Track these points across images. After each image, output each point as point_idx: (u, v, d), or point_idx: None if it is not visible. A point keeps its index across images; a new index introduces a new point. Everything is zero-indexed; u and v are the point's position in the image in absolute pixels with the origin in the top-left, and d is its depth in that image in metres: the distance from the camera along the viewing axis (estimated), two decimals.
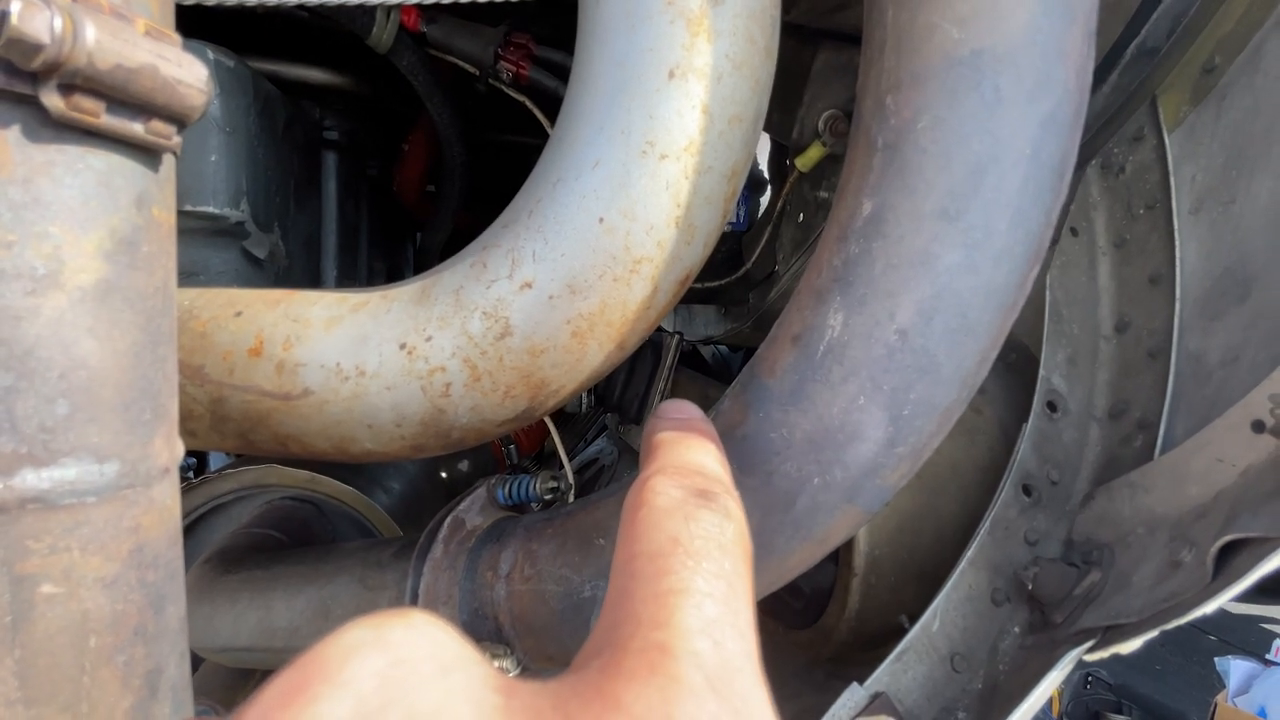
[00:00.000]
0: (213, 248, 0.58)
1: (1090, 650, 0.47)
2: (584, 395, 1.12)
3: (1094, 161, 0.76)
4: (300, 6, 0.50)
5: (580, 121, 0.32)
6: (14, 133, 0.25)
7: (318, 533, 0.92)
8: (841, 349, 0.39)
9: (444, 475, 1.31)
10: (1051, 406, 0.66)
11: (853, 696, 0.52)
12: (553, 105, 0.69)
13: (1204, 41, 0.64)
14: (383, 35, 0.60)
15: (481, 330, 0.33)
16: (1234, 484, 0.44)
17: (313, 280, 0.80)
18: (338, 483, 0.91)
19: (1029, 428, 0.64)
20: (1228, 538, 0.39)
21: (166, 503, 0.30)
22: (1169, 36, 0.67)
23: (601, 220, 0.32)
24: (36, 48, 0.23)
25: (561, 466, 0.72)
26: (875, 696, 0.52)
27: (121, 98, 0.25)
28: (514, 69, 0.63)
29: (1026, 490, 0.63)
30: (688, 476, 0.21)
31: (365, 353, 0.34)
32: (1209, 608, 0.39)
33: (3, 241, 0.25)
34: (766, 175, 0.99)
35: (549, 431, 1.22)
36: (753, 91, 0.34)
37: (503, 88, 0.66)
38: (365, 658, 0.13)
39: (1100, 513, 0.57)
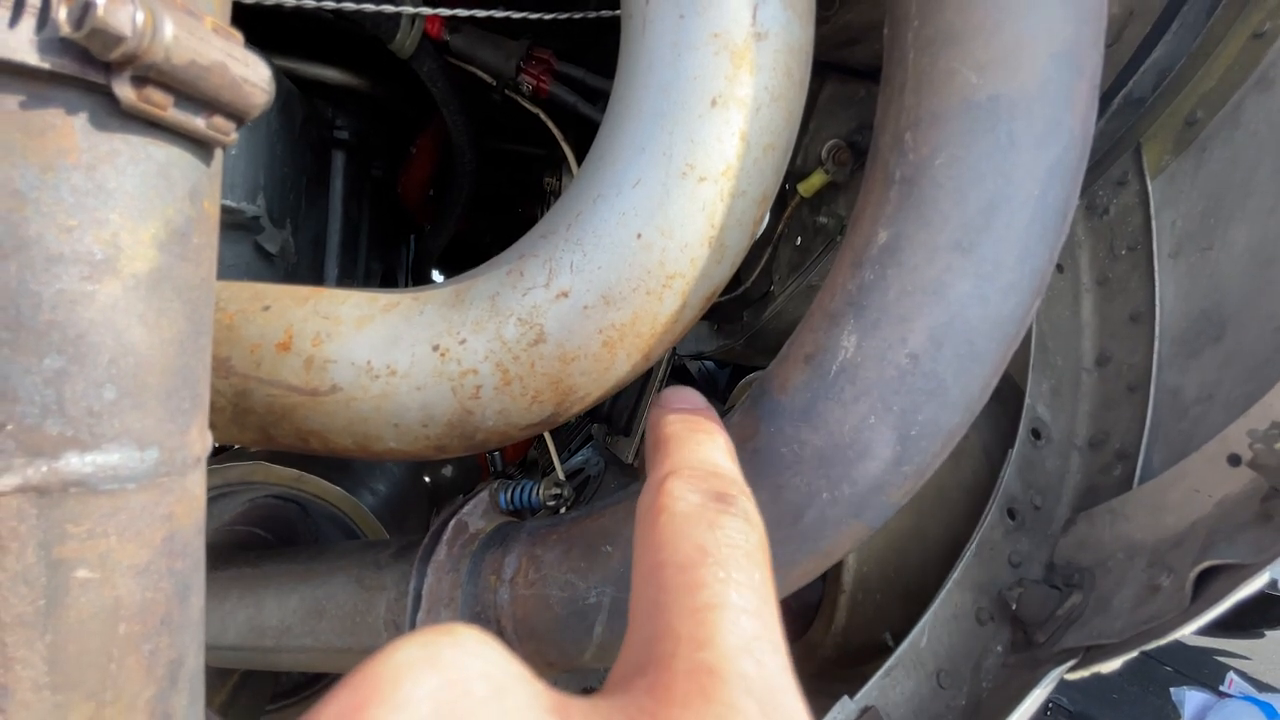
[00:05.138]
0: (226, 241, 0.58)
1: (1072, 669, 0.49)
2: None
3: (1080, 202, 0.80)
4: (329, 10, 0.51)
5: (623, 142, 0.34)
6: (82, 120, 0.25)
7: (302, 532, 0.91)
8: (854, 369, 0.41)
9: (428, 480, 1.30)
10: (1036, 434, 0.69)
11: (844, 710, 0.53)
12: (568, 119, 0.71)
13: (1187, 95, 0.68)
14: (406, 41, 0.61)
15: (516, 336, 0.34)
16: (1209, 514, 0.47)
17: (316, 278, 0.80)
18: (325, 482, 0.90)
19: (1014, 454, 0.67)
20: (1206, 563, 0.41)
21: (196, 493, 0.31)
22: (1155, 89, 0.71)
23: (639, 236, 0.33)
24: (118, 39, 0.23)
25: (554, 473, 0.73)
26: (865, 710, 0.53)
27: (190, 93, 0.26)
28: (534, 82, 0.64)
29: (1011, 514, 0.65)
30: (704, 479, 0.21)
31: (397, 352, 0.35)
32: (1188, 629, 0.41)
33: (64, 226, 0.25)
34: None
35: (533, 441, 1.23)
36: (786, 122, 0.36)
37: (520, 100, 0.68)
38: (420, 678, 0.12)
39: (1081, 538, 0.59)
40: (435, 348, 0.34)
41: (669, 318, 0.35)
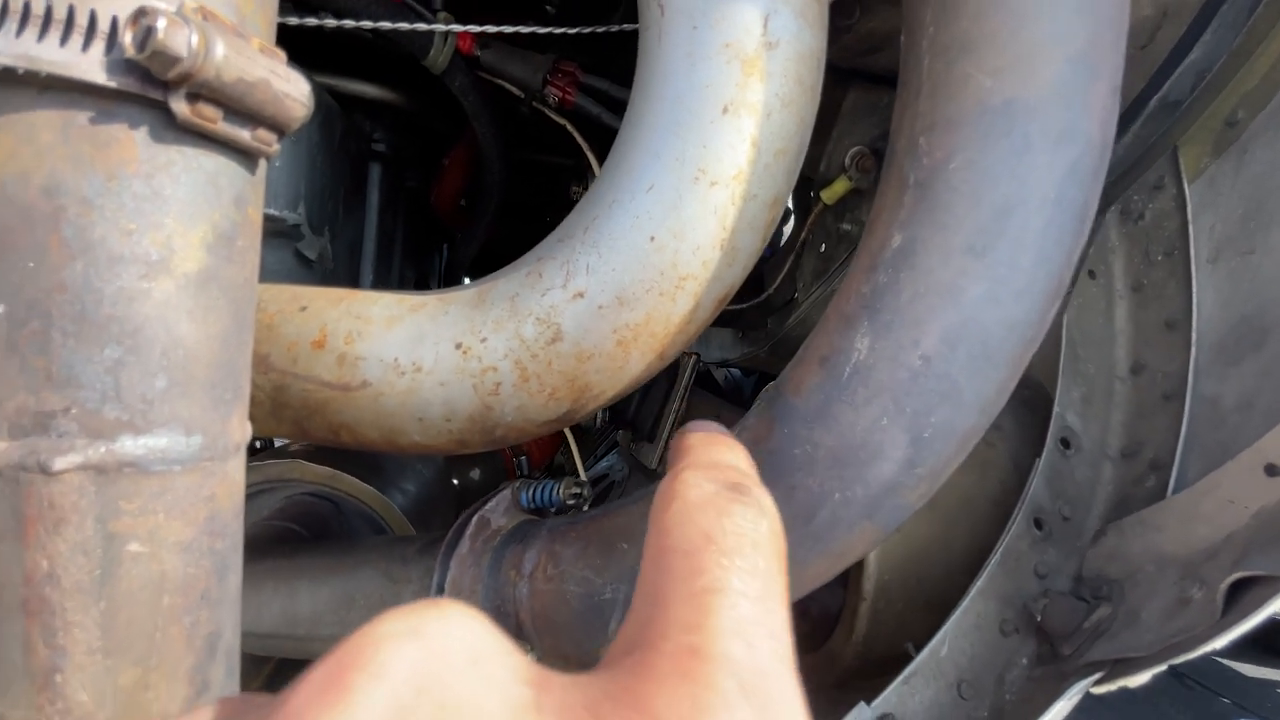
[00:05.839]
0: (268, 247, 0.61)
1: (1098, 683, 0.48)
2: (599, 411, 1.13)
3: (1114, 207, 0.78)
4: (367, 30, 0.54)
5: (638, 148, 0.35)
6: (142, 133, 0.28)
7: (335, 529, 0.94)
8: (867, 371, 0.41)
9: (455, 482, 1.33)
10: (1065, 443, 0.67)
11: (860, 716, 0.53)
12: (592, 129, 0.72)
13: (1228, 96, 0.66)
14: (439, 58, 0.64)
15: (534, 334, 0.35)
16: (1245, 525, 0.46)
17: (352, 283, 0.83)
18: (357, 481, 0.93)
19: (1042, 463, 0.65)
20: (1238, 574, 0.40)
21: (236, 478, 0.33)
22: (1192, 90, 0.70)
23: (652, 239, 0.34)
24: (175, 60, 0.26)
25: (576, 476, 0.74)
26: (882, 717, 0.53)
27: (238, 107, 0.28)
28: (560, 94, 0.67)
29: (1038, 524, 0.64)
30: (721, 471, 0.21)
31: (422, 350, 0.37)
32: (1219, 643, 0.40)
33: (124, 229, 0.27)
34: (791, 205, 1.02)
35: (559, 446, 1.24)
36: (798, 127, 0.37)
37: (547, 111, 0.70)
38: (399, 647, 0.13)
39: (1111, 549, 0.58)
40: (458, 346, 0.36)
41: (682, 318, 0.37)
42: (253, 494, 0.95)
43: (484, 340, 0.36)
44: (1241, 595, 0.41)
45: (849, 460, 0.41)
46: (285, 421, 0.41)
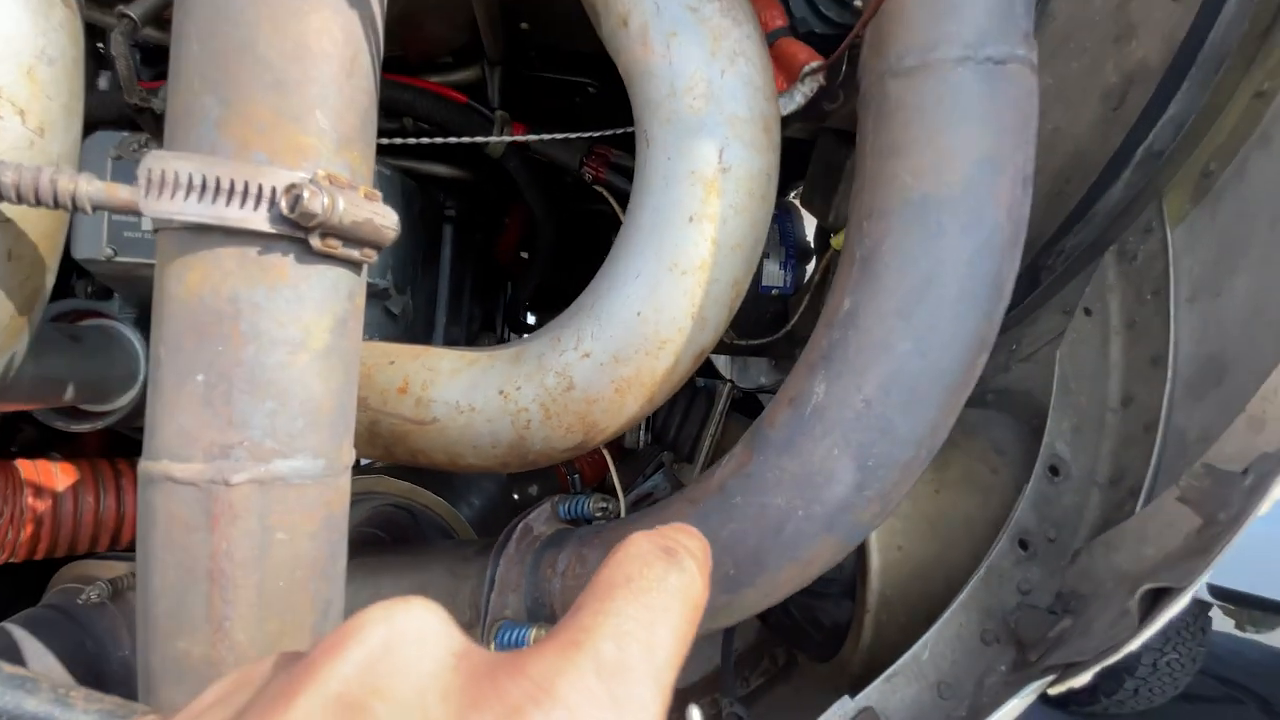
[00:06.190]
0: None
1: (1052, 684, 0.55)
2: (642, 434, 1.25)
3: (1113, 248, 0.83)
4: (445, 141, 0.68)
5: (628, 247, 0.47)
6: (290, 259, 0.41)
7: (411, 535, 1.10)
8: (823, 411, 0.51)
9: (516, 496, 1.48)
10: (1054, 470, 0.73)
11: (843, 707, 0.60)
12: (622, 197, 0.85)
13: (1204, 148, 0.71)
14: (498, 147, 0.78)
15: (554, 384, 0.47)
16: (1179, 546, 0.51)
17: (428, 325, 0.99)
18: (432, 495, 1.08)
19: (1029, 489, 0.71)
20: (1147, 586, 0.46)
21: (345, 489, 0.46)
22: (1173, 140, 0.75)
23: (639, 314, 0.46)
24: (313, 215, 0.39)
25: (615, 493, 0.85)
26: (863, 710, 0.61)
27: (351, 238, 0.42)
28: (594, 173, 0.80)
29: (1023, 545, 0.70)
30: (664, 538, 0.24)
31: (475, 395, 0.49)
32: (1133, 645, 0.47)
33: (279, 322, 0.41)
34: (813, 246, 1.11)
35: (607, 467, 1.37)
36: (751, 228, 0.47)
37: (586, 182, 0.83)
38: (376, 627, 0.18)
39: (1083, 568, 0.63)
40: (500, 392, 0.48)
41: (665, 371, 0.47)
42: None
43: (519, 388, 0.48)
44: (1160, 608, 0.47)
45: (808, 483, 0.51)
46: (378, 447, 0.54)
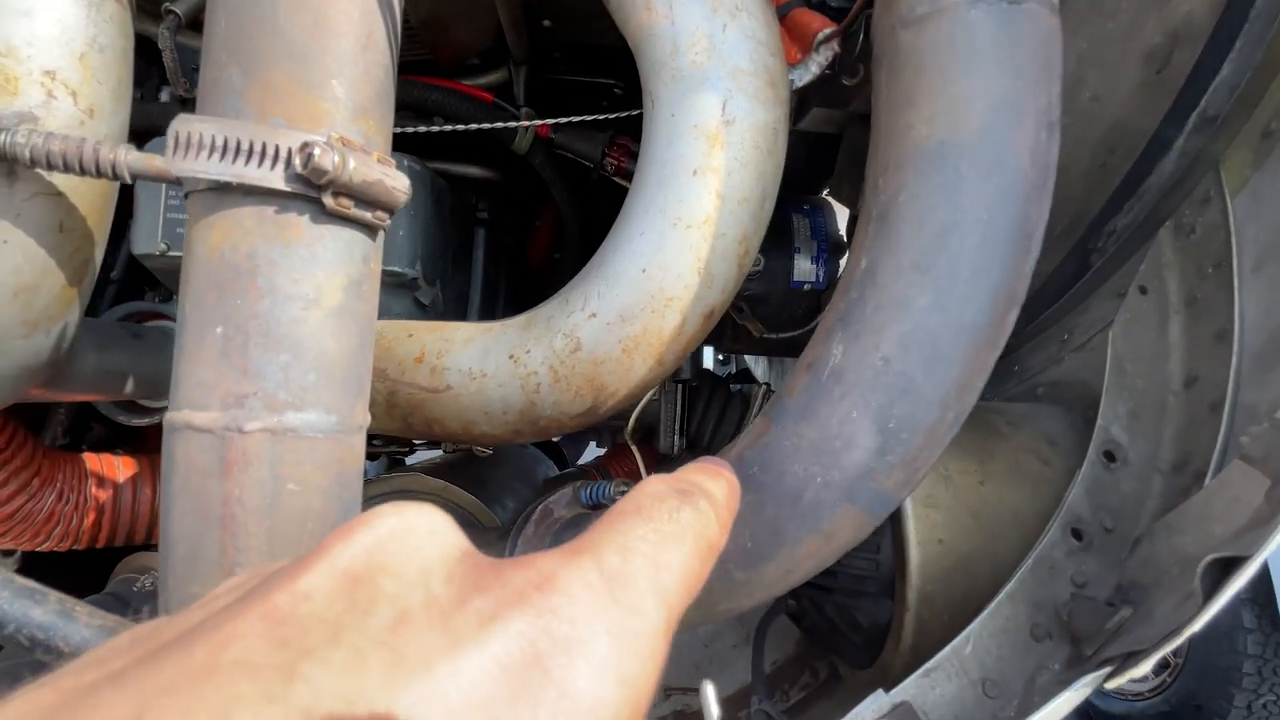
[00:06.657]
0: (393, 296, 0.79)
1: (1109, 677, 0.50)
2: (677, 438, 1.24)
3: (1168, 223, 0.78)
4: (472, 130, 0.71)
5: (635, 204, 0.46)
6: (305, 218, 0.43)
7: None
8: (840, 373, 0.48)
9: None
10: (1109, 456, 0.68)
11: (876, 701, 0.57)
12: None
13: (1262, 108, 0.66)
14: (523, 143, 0.80)
15: (561, 345, 0.47)
16: (1249, 521, 0.46)
17: None
18: (464, 492, 1.09)
19: (1081, 475, 0.66)
20: (1212, 556, 0.42)
21: (358, 449, 0.47)
22: (1228, 104, 0.70)
23: (644, 270, 0.45)
24: (324, 172, 0.41)
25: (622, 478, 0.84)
26: (898, 705, 0.56)
27: (363, 198, 0.43)
28: (616, 164, 0.81)
29: (1077, 534, 0.64)
30: (680, 482, 0.25)
31: (487, 361, 0.49)
32: (1197, 625, 0.42)
33: (293, 279, 0.43)
34: (846, 240, 1.08)
35: (643, 472, 1.35)
36: (757, 181, 0.46)
37: (608, 175, 0.84)
38: (388, 517, 0.19)
39: (1144, 557, 0.58)
40: (511, 357, 0.48)
41: (672, 330, 0.47)
42: (381, 502, 1.14)
43: (528, 352, 0.48)
44: (1226, 579, 0.43)
45: (826, 448, 0.48)
46: (396, 418, 0.55)
